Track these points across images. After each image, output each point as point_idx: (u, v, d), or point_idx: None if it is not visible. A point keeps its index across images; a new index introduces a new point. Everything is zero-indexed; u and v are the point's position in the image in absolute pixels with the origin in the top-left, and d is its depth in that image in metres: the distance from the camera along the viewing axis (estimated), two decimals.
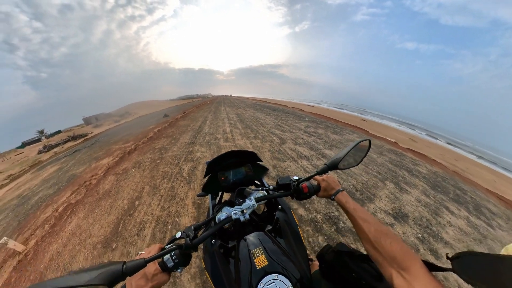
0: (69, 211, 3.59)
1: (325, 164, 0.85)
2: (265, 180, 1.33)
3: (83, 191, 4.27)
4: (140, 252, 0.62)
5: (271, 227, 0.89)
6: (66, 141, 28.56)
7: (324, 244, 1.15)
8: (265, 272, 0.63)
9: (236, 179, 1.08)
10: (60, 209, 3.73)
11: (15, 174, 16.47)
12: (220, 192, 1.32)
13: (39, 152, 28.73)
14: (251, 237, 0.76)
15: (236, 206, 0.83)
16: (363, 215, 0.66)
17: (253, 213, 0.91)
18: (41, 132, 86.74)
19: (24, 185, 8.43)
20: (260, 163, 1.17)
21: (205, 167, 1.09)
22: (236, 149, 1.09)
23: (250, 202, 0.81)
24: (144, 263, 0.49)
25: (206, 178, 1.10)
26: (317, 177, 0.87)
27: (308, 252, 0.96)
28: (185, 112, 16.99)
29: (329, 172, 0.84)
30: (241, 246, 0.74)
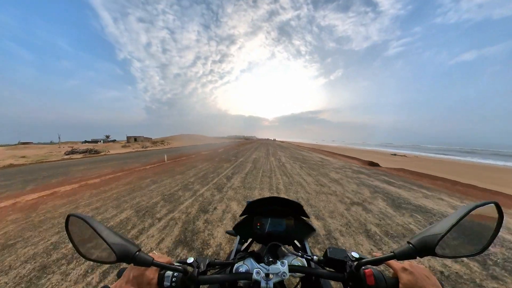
0: None
1: (408, 242, 0.45)
2: (308, 244, 1.03)
3: None
4: (153, 251, 0.49)
5: None
6: (82, 152, 33.05)
7: None
8: None
9: (272, 231, 0.88)
10: None
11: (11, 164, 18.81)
12: (250, 239, 1.09)
13: (65, 153, 33.66)
14: None
15: (262, 264, 0.63)
16: None
17: (281, 283, 0.71)
18: (107, 136, 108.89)
19: None
20: (305, 219, 0.93)
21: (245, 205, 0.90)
22: (280, 196, 0.89)
23: (281, 268, 0.60)
24: (150, 263, 0.48)
25: (242, 217, 0.95)
26: (393, 262, 0.52)
27: None
28: (162, 163, 11.57)
29: (417, 258, 0.45)
30: None
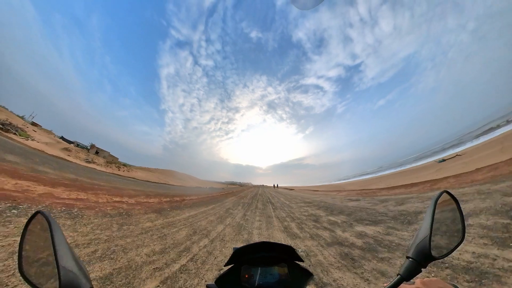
0: None
1: (408, 257, 0.44)
2: None
3: None
4: None
5: None
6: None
7: None
8: None
9: (263, 283, 0.70)
10: None
11: None
12: None
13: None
14: None
15: None
16: None
17: None
18: (92, 146, 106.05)
19: None
20: (300, 263, 0.77)
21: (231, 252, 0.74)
22: (270, 241, 0.74)
23: None
24: None
25: (227, 267, 0.74)
26: (405, 287, 0.43)
27: None
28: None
29: (422, 270, 0.42)
30: None
